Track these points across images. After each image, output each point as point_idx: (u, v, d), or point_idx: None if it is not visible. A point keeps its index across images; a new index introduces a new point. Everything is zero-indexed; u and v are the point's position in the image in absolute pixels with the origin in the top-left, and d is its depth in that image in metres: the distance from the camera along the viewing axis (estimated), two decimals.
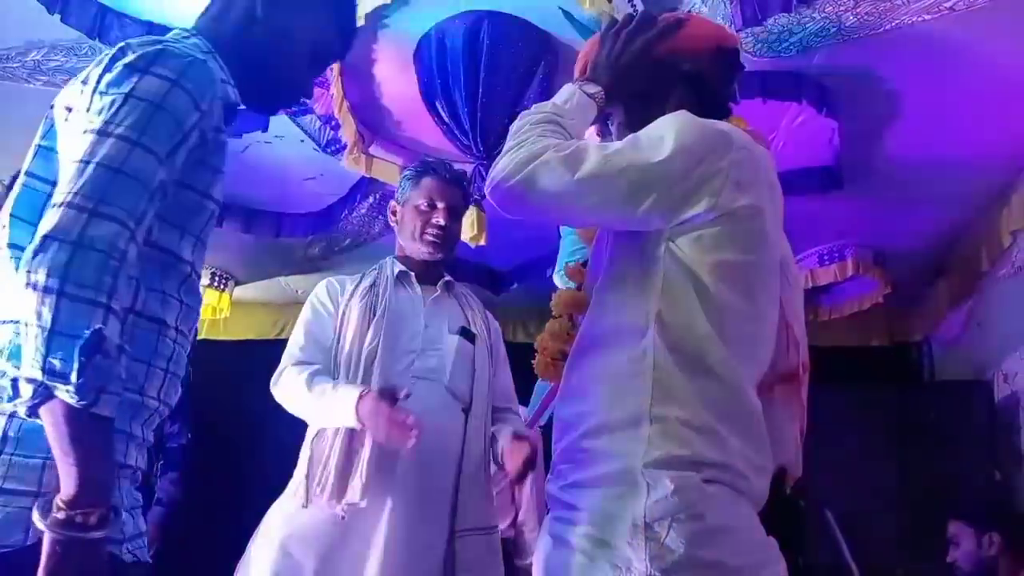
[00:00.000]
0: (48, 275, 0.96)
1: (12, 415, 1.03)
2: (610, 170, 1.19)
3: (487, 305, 2.39)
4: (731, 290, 1.20)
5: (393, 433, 1.84)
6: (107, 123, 1.06)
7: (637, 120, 1.33)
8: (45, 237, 0.98)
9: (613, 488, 1.13)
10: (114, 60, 1.13)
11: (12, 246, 1.10)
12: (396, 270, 2.20)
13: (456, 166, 2.37)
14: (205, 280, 4.82)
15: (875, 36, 2.74)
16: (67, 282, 0.96)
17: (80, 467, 0.97)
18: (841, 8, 2.64)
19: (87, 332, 0.96)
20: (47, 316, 0.95)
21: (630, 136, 1.26)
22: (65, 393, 0.96)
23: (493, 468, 2.19)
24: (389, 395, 1.89)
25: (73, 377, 0.95)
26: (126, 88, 1.09)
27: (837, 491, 3.94)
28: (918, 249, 4.31)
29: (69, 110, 1.14)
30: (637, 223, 1.24)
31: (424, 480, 1.99)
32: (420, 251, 2.20)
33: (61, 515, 0.96)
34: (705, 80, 1.40)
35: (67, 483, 0.97)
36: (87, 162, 1.03)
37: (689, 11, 2.68)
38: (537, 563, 1.26)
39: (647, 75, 1.38)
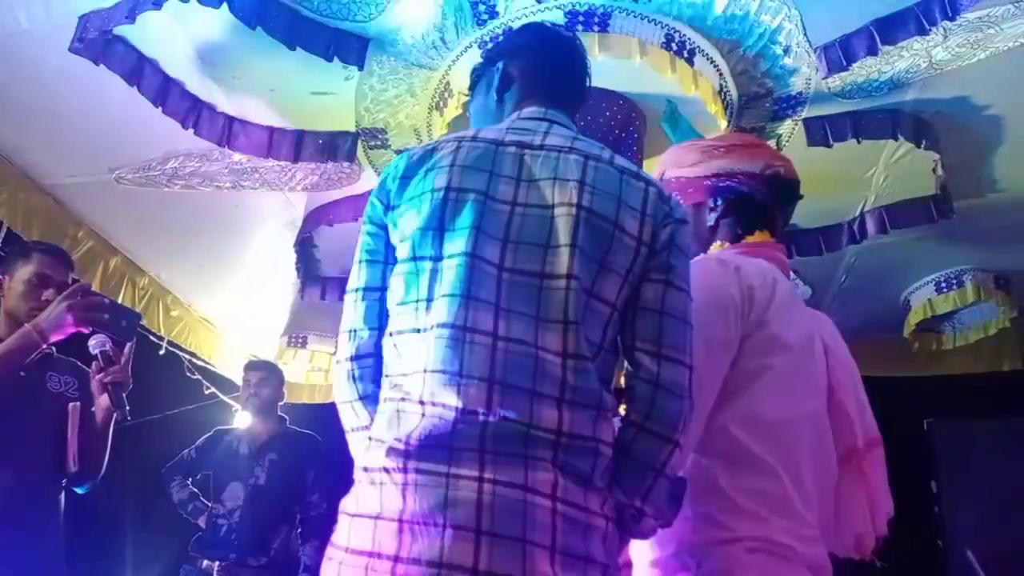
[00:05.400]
0: (681, 432, 1.13)
1: None
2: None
3: None
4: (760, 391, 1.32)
5: None
6: (685, 283, 1.18)
7: None
8: (680, 398, 1.13)
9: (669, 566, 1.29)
10: (665, 205, 1.19)
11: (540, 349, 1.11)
12: None
13: None
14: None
15: (970, 65, 2.72)
16: (685, 436, 1.15)
17: None
18: (930, 44, 2.62)
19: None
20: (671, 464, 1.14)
21: None
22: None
23: None
24: None
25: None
26: (686, 251, 1.21)
27: (978, 529, 3.77)
28: None
29: (621, 229, 1.15)
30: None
31: None
32: None
33: None
34: None
35: None
36: (687, 323, 1.16)
37: (773, 63, 2.73)
38: None
39: None
